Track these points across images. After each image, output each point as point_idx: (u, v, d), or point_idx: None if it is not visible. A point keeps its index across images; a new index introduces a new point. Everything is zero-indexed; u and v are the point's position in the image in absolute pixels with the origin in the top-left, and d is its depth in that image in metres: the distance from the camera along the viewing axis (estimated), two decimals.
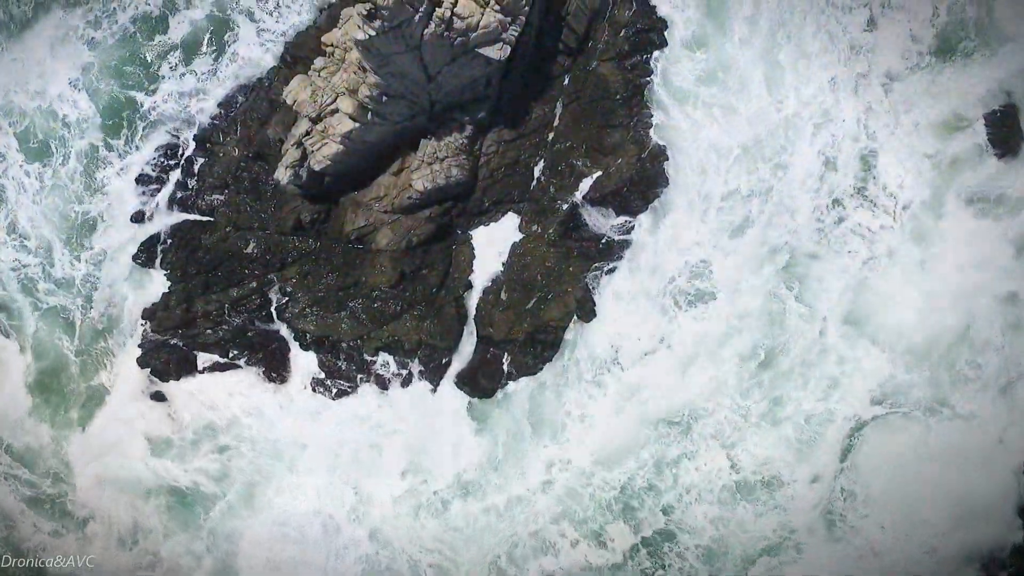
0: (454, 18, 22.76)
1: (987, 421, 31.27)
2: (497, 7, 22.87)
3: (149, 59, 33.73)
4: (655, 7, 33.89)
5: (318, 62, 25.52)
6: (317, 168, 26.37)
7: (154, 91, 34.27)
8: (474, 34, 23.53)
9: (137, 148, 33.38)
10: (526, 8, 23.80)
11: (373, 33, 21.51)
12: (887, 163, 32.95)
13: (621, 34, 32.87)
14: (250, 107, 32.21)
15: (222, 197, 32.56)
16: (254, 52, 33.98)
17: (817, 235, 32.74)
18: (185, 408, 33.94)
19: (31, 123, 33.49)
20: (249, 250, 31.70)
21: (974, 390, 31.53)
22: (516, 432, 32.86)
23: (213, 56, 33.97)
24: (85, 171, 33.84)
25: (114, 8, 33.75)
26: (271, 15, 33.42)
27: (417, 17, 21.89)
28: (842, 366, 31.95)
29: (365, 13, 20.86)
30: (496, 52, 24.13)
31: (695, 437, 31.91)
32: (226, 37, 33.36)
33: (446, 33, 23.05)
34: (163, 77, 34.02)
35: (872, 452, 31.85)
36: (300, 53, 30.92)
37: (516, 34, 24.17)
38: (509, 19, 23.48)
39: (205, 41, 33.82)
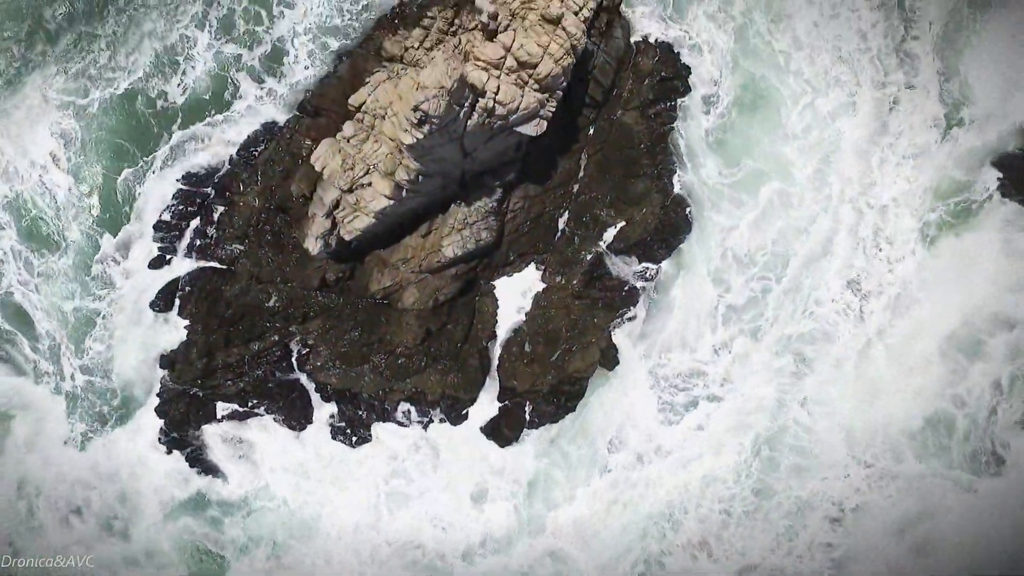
0: (496, 106, 22.41)
1: None
2: (536, 86, 22.53)
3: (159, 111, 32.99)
4: (678, 53, 33.51)
5: (347, 128, 25.09)
6: (348, 239, 26.03)
7: (168, 137, 33.62)
8: (514, 116, 23.19)
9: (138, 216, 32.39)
10: (564, 83, 23.46)
11: (421, 137, 21.27)
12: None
13: (645, 83, 32.51)
14: (271, 157, 31.71)
15: (242, 247, 32.09)
16: (265, 107, 33.41)
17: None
18: (206, 459, 33.82)
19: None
20: (271, 304, 31.35)
21: None
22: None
23: (224, 104, 33.35)
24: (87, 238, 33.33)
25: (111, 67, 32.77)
26: (275, 75, 32.65)
27: (462, 113, 21.56)
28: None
29: (415, 121, 20.52)
30: (533, 128, 23.84)
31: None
32: (227, 96, 32.67)
33: (488, 120, 22.71)
34: (176, 123, 33.34)
35: None
36: (322, 104, 30.45)
37: (553, 109, 23.85)
38: (547, 95, 23.13)
39: (211, 92, 33.07)
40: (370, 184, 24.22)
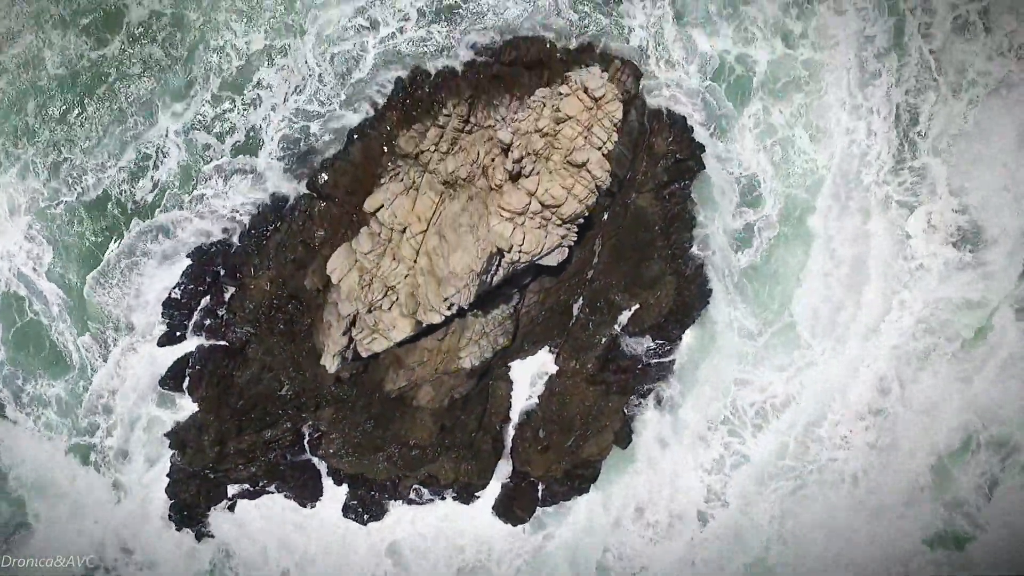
0: (521, 255, 22.03)
1: None
2: (558, 222, 22.15)
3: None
4: (691, 128, 33.08)
5: (364, 241, 24.67)
6: (365, 356, 25.68)
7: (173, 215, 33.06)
8: (538, 257, 22.84)
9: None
10: (585, 212, 23.06)
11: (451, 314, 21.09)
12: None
13: (659, 165, 32.10)
14: (283, 242, 31.24)
15: (253, 331, 31.68)
16: (271, 177, 32.85)
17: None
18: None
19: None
20: (283, 392, 31.04)
21: None
22: None
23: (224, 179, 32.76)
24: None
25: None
26: (270, 154, 32.04)
27: (489, 275, 21.22)
28: None
29: (445, 308, 20.17)
30: (556, 258, 23.48)
31: None
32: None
33: (513, 266, 22.36)
34: (180, 202, 32.76)
35: None
36: (334, 192, 29.96)
37: (575, 237, 23.49)
38: (569, 225, 22.77)
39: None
40: (389, 308, 23.85)
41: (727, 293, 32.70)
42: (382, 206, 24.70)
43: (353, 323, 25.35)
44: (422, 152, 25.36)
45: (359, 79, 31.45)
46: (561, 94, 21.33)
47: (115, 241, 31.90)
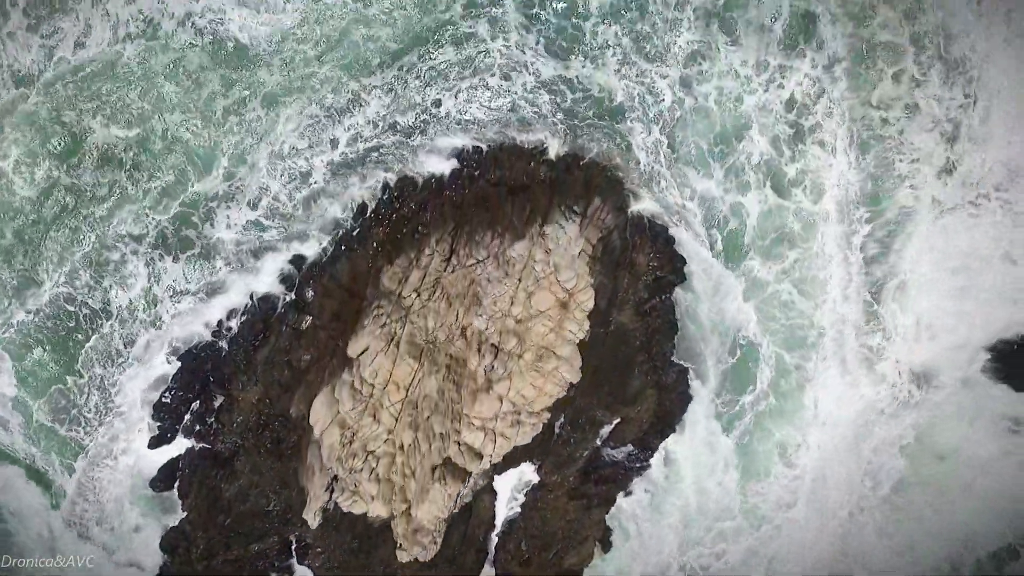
0: (493, 457, 22.57)
1: None
2: (530, 413, 22.66)
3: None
4: (672, 239, 33.44)
5: (345, 396, 25.24)
6: (345, 511, 26.36)
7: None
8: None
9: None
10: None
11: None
12: None
13: (640, 282, 32.56)
14: (269, 359, 31.80)
15: (241, 442, 32.36)
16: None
17: None
18: None
19: None
20: (270, 507, 31.74)
21: None
22: None
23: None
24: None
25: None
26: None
27: (463, 490, 21.81)
28: None
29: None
30: (529, 436, 24.02)
31: None
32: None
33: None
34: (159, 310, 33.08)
35: None
36: (321, 314, 30.51)
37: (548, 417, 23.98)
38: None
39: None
40: (368, 476, 24.49)
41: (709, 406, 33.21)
42: (366, 349, 25.22)
43: (335, 477, 26.01)
44: (403, 297, 25.85)
45: (347, 176, 31.80)
46: (535, 265, 21.81)
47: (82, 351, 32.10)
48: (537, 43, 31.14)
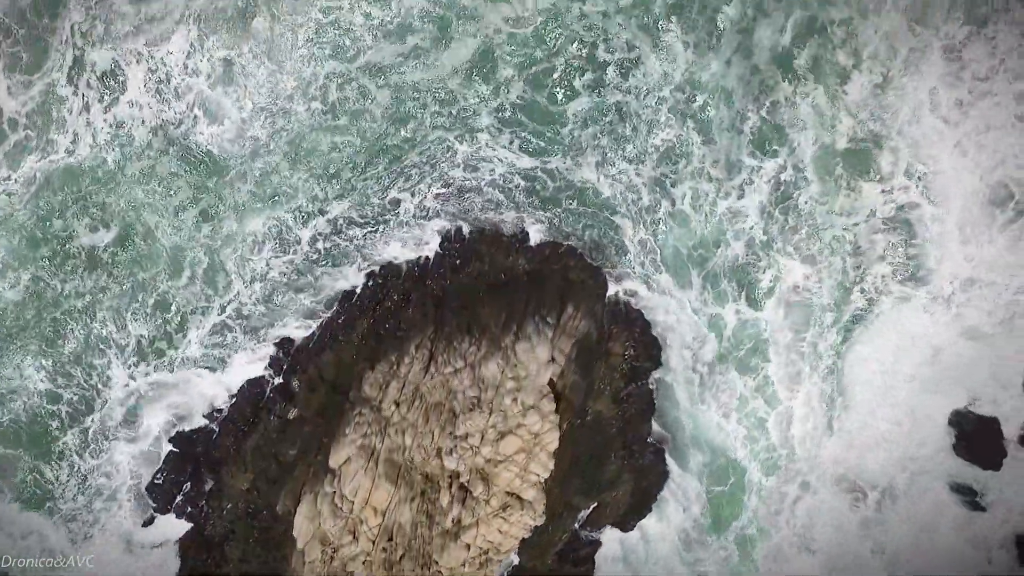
0: None
1: None
2: (497, 553, 23.77)
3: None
4: (648, 323, 34.40)
5: (327, 513, 26.39)
6: None
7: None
8: None
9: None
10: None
11: None
12: None
13: (616, 372, 33.57)
14: (258, 446, 32.87)
15: (232, 528, 33.54)
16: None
17: None
18: None
19: None
20: None
21: None
22: None
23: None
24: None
25: None
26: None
27: None
28: None
29: None
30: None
31: None
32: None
33: None
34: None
35: None
36: (306, 409, 31.58)
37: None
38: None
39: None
40: None
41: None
42: (347, 460, 26.36)
43: None
44: (381, 408, 26.97)
45: (324, 269, 32.82)
46: (504, 396, 22.93)
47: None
48: (511, 143, 31.98)
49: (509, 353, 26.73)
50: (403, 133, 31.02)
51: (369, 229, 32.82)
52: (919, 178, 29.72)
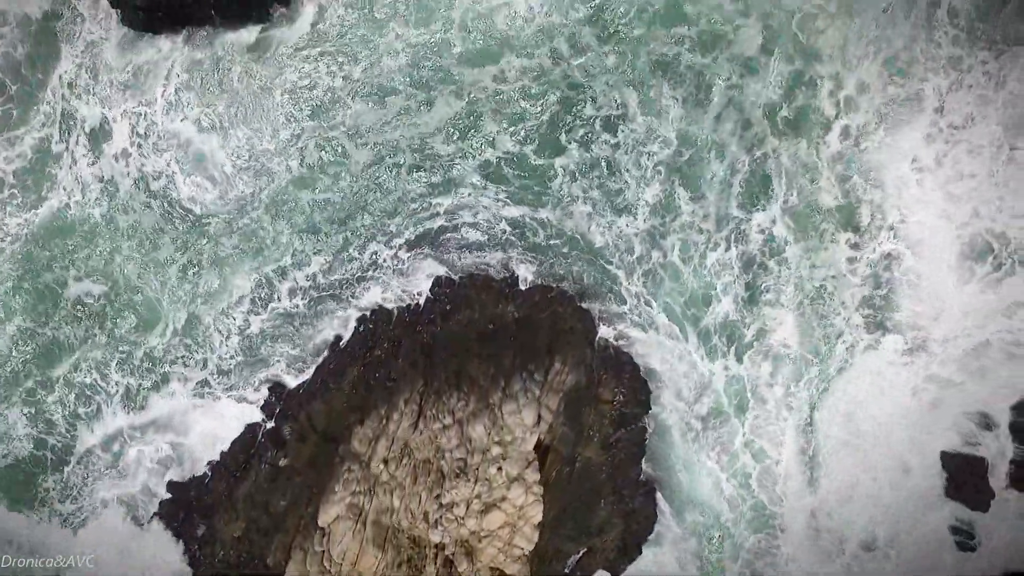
0: None
1: None
2: None
3: None
4: (638, 367, 34.48)
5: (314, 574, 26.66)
6: None
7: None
8: None
9: None
10: None
11: None
12: None
13: (606, 418, 33.74)
14: (249, 496, 33.08)
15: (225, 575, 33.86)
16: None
17: None
18: None
19: None
20: None
21: None
22: None
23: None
24: None
25: None
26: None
27: None
28: None
29: None
30: None
31: None
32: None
33: None
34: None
35: None
36: (296, 459, 31.80)
37: None
38: None
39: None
40: None
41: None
42: (337, 517, 26.61)
43: None
44: (370, 466, 27.20)
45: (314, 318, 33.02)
46: (489, 464, 23.16)
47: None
48: (497, 195, 32.06)
49: (496, 412, 26.94)
50: (385, 188, 31.14)
51: (356, 277, 32.99)
52: (896, 229, 29.95)
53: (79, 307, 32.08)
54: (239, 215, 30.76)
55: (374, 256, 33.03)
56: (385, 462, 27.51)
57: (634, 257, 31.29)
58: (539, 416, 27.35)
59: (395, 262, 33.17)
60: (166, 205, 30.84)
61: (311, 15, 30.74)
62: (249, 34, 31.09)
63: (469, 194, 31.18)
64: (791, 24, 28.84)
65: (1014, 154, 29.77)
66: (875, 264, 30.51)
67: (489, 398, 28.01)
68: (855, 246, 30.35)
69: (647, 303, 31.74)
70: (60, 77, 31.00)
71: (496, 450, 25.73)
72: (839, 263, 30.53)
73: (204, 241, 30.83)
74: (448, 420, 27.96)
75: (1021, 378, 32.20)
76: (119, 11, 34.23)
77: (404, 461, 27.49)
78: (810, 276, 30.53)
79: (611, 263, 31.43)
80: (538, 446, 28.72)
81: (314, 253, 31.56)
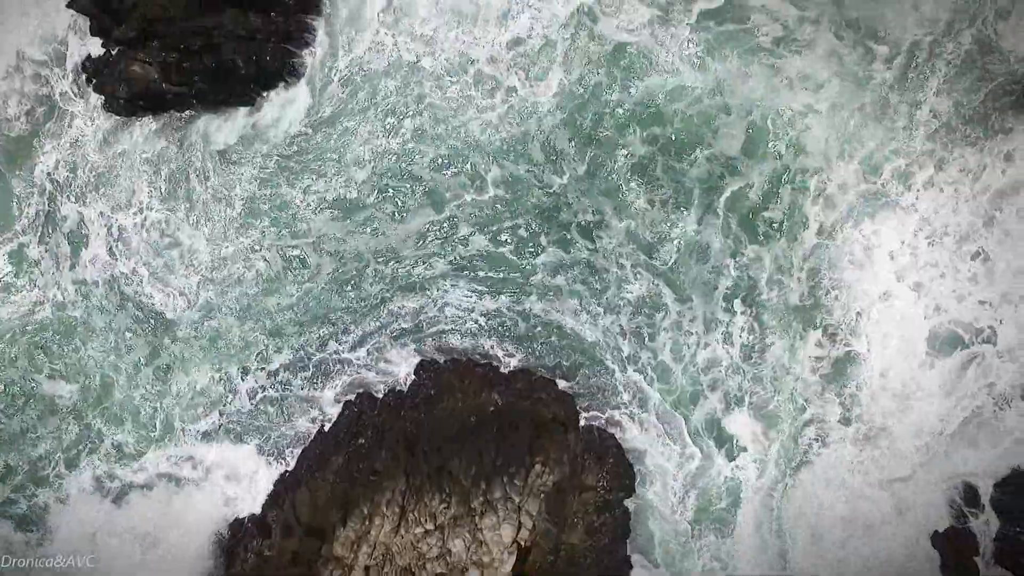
0: None
1: None
2: None
3: None
4: (621, 448, 34.52)
5: None
6: None
7: None
8: None
9: None
10: None
11: None
12: None
13: (590, 505, 33.84)
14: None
15: None
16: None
17: None
18: None
19: None
20: None
21: None
22: None
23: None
24: None
25: None
26: None
27: None
28: None
29: None
30: None
31: None
32: None
33: None
34: None
35: None
36: (280, 556, 31.82)
37: None
38: None
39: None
40: None
41: None
42: None
43: None
44: (354, 571, 27.28)
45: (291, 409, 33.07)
46: None
47: None
48: (475, 288, 32.06)
49: (476, 521, 27.03)
50: (359, 287, 31.31)
51: (335, 368, 33.17)
52: (865, 324, 30.01)
53: (51, 403, 32.16)
54: (207, 318, 31.11)
55: (354, 346, 33.15)
56: (367, 569, 27.59)
57: (624, 355, 31.34)
58: (519, 525, 27.41)
59: (377, 351, 33.24)
60: (136, 309, 31.26)
61: (287, 120, 30.87)
62: (224, 133, 31.23)
63: (447, 287, 31.21)
64: (775, 122, 28.92)
65: (985, 248, 29.86)
66: (841, 361, 30.51)
67: (470, 502, 28.10)
68: (825, 342, 30.49)
69: (636, 397, 31.82)
70: (45, 174, 31.06)
71: (473, 572, 25.84)
72: (810, 360, 30.68)
73: (173, 343, 30.96)
74: (430, 525, 28.06)
75: (993, 460, 32.34)
76: (102, 97, 34.21)
77: (386, 568, 27.57)
78: (784, 374, 30.68)
79: (596, 356, 31.52)
80: (519, 549, 28.79)
81: (285, 351, 31.61)
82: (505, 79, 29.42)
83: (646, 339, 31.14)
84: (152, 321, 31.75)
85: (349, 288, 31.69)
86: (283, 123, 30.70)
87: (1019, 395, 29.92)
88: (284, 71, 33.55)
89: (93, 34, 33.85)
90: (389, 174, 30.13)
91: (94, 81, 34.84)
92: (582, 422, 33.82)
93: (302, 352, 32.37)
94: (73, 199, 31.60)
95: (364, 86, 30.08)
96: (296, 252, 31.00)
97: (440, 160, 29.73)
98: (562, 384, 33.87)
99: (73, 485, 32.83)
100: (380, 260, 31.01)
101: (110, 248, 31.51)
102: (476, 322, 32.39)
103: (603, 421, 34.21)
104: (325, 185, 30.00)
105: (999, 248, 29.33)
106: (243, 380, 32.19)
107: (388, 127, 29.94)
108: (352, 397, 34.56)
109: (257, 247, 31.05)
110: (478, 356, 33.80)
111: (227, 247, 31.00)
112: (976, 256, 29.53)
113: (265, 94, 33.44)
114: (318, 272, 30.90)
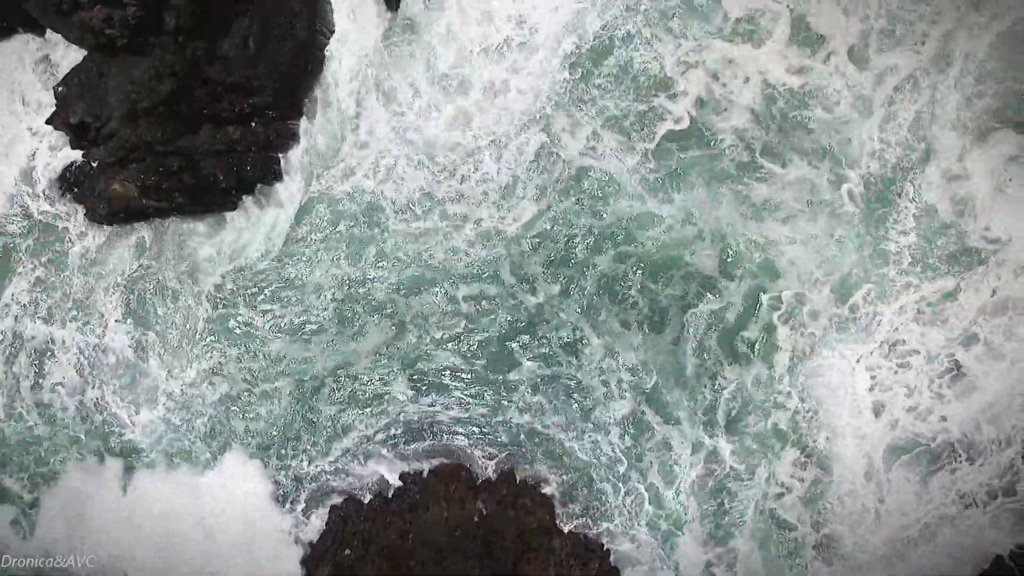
0: None
1: None
2: None
3: None
4: (609, 551, 33.04)
5: None
6: None
7: None
8: None
9: None
10: None
11: None
12: None
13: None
14: None
15: None
16: None
17: None
18: None
19: None
20: None
21: None
22: None
23: None
24: None
25: None
26: None
27: None
28: None
29: None
30: None
31: None
32: None
33: None
34: None
35: None
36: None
37: None
38: None
39: None
40: None
41: None
42: None
43: None
44: None
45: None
46: None
47: None
48: (450, 402, 31.60)
49: None
50: (327, 404, 31.07)
51: (320, 480, 32.34)
52: (823, 448, 30.02)
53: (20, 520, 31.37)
54: (174, 443, 31.15)
55: (335, 459, 32.66)
56: None
57: (617, 472, 30.73)
58: None
59: (358, 460, 32.62)
60: (105, 432, 30.87)
61: (255, 244, 31.15)
62: (199, 251, 31.45)
63: (426, 399, 30.80)
64: (748, 247, 29.19)
65: (957, 366, 29.80)
66: (814, 481, 30.27)
67: None
68: (800, 463, 30.15)
69: (626, 516, 31.18)
70: (13, 297, 31.10)
71: None
72: (784, 481, 30.22)
73: (144, 467, 30.46)
74: None
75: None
76: (84, 208, 34.27)
77: None
78: (763, 496, 30.26)
79: (594, 479, 30.81)
80: None
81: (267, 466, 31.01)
82: (474, 213, 29.82)
83: (635, 460, 30.71)
84: (120, 447, 31.54)
85: (320, 404, 31.29)
86: (252, 247, 30.93)
87: None
88: (267, 177, 33.82)
89: (73, 148, 34.15)
90: (353, 298, 30.25)
91: (75, 190, 35.02)
92: (571, 526, 32.88)
93: (292, 460, 31.80)
94: (42, 320, 31.54)
95: (327, 212, 30.41)
96: (261, 373, 30.78)
97: (405, 282, 29.87)
98: (547, 489, 33.08)
99: None
100: (354, 373, 30.74)
101: (79, 370, 31.31)
102: (462, 429, 31.79)
103: (592, 532, 33.39)
104: (283, 310, 30.06)
105: (977, 366, 29.29)
106: None
107: (351, 255, 30.28)
108: (339, 501, 33.52)
109: (217, 371, 31.09)
110: (463, 459, 33.13)
111: (190, 371, 30.94)
112: (947, 373, 29.41)
113: (246, 198, 33.66)
114: (283, 395, 30.67)
